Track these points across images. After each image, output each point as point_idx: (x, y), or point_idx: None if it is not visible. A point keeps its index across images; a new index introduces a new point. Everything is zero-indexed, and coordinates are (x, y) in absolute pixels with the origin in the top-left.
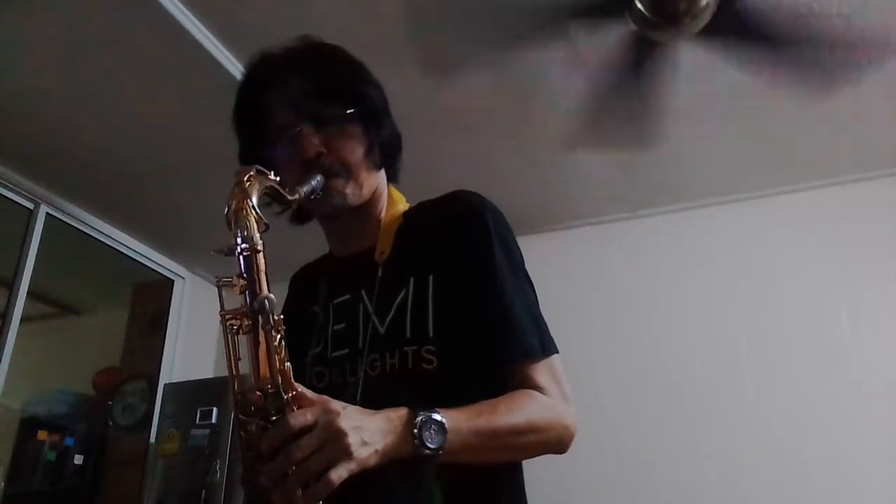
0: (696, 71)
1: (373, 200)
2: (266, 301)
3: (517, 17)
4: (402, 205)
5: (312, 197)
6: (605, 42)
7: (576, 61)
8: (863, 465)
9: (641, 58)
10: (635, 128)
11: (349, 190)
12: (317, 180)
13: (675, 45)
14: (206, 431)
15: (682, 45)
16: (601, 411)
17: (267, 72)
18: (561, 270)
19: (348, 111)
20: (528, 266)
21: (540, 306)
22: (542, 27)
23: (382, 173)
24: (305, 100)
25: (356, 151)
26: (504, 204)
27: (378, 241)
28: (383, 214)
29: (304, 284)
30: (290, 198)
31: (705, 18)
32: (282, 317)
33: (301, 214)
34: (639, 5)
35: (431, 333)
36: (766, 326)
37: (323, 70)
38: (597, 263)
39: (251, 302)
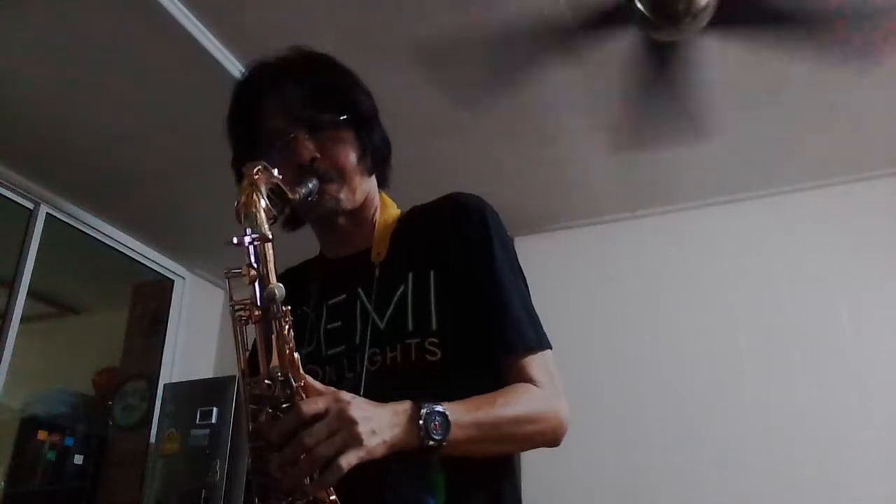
0: (696, 71)
1: (366, 204)
2: (276, 290)
3: (526, 41)
4: (395, 210)
5: (309, 199)
6: (614, 49)
7: (581, 66)
8: (863, 465)
9: (650, 59)
10: (678, 124)
11: (343, 195)
12: (313, 183)
13: (683, 43)
14: (206, 431)
15: (691, 42)
16: (601, 411)
17: (261, 80)
18: (561, 270)
19: (341, 118)
20: (528, 266)
21: (540, 306)
22: (550, 47)
23: (374, 178)
24: (299, 107)
25: (349, 157)
26: (504, 204)
27: (374, 243)
28: (377, 218)
29: (291, 286)
30: (291, 196)
31: (706, 16)
32: (289, 307)
33: (293, 219)
34: (639, 7)
35: (435, 326)
36: (766, 326)
37: (316, 78)
38: (597, 263)
39: (261, 291)
